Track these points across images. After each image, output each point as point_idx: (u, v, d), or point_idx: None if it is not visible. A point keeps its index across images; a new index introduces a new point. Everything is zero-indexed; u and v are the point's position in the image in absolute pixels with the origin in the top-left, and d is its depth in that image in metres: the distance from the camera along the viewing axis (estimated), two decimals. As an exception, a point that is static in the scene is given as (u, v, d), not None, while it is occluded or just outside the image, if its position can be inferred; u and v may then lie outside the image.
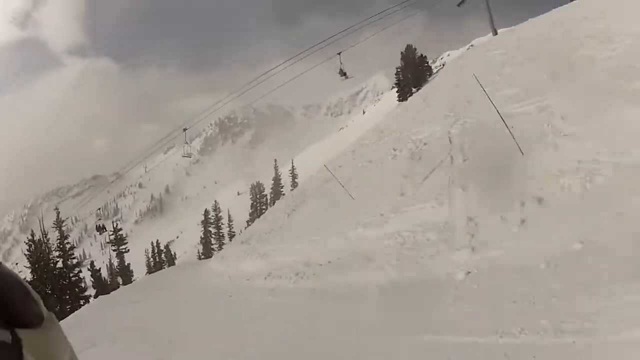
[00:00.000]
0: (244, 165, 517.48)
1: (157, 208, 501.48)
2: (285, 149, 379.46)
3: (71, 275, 52.66)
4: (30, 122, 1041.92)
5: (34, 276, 49.72)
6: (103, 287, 64.21)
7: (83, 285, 54.19)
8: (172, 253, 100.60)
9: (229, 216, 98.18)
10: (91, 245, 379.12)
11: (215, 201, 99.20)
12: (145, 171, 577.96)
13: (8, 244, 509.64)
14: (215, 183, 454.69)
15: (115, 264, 75.15)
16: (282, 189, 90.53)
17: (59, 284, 50.58)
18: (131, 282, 64.04)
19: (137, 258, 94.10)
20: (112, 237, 72.92)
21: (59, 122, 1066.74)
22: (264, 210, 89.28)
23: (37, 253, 50.46)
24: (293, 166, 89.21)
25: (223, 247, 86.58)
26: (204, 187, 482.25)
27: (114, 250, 73.74)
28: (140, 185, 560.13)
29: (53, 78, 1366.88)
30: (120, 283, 68.31)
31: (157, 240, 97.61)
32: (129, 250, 74.60)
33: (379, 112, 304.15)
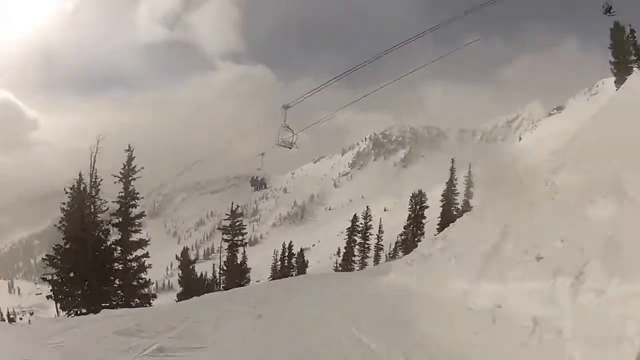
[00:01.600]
0: (393, 183, 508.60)
1: (298, 214, 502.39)
2: (437, 171, 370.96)
3: (128, 258, 36.59)
4: (175, 119, 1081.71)
5: (65, 234, 34.82)
6: (191, 286, 53.48)
7: (147, 277, 37.45)
8: (305, 260, 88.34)
9: (380, 226, 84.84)
10: (222, 241, 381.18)
11: (367, 207, 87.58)
12: (292, 177, 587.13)
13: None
14: (362, 197, 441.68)
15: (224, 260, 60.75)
16: (455, 197, 76.45)
17: (95, 261, 34.39)
18: (240, 284, 52.29)
19: (264, 261, 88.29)
20: (228, 222, 59.62)
21: (205, 122, 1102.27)
22: (423, 224, 79.06)
23: (75, 203, 34.54)
24: (470, 171, 72.98)
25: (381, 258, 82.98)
26: (350, 200, 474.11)
27: (225, 241, 59.36)
28: (285, 191, 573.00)
29: (203, 80, 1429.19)
30: (222, 286, 56.73)
31: (291, 242, 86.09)
32: (246, 243, 62.47)
33: (538, 139, 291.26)
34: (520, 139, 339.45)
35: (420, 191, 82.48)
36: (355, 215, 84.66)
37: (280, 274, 78.44)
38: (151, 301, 35.78)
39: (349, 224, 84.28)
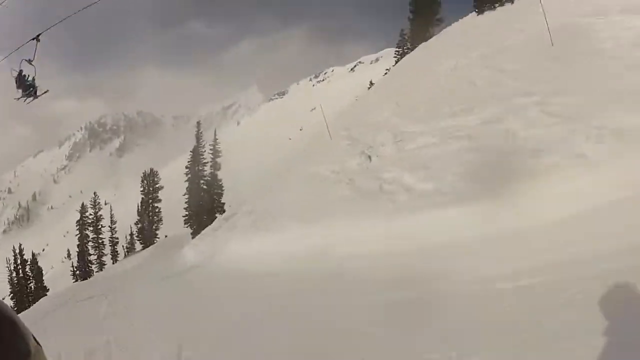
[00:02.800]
0: (110, 174, 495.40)
1: (24, 217, 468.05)
2: (153, 159, 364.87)
3: None
4: None
5: None
6: None
7: None
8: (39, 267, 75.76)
9: (112, 217, 75.11)
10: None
11: (94, 193, 77.07)
12: (15, 176, 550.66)
13: None
14: (81, 192, 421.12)
15: None
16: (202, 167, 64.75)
17: None
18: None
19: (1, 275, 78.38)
20: None
21: None
22: (158, 208, 71.84)
23: None
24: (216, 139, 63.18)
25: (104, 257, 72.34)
26: (70, 196, 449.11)
27: None
28: (9, 191, 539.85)
29: None
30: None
31: (21, 246, 73.70)
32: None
33: (257, 123, 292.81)
34: (238, 123, 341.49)
35: (152, 170, 73.65)
36: (83, 205, 74.21)
37: (19, 289, 68.46)
38: None
39: (75, 222, 74.73)
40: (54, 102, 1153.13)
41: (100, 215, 73.57)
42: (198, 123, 62.57)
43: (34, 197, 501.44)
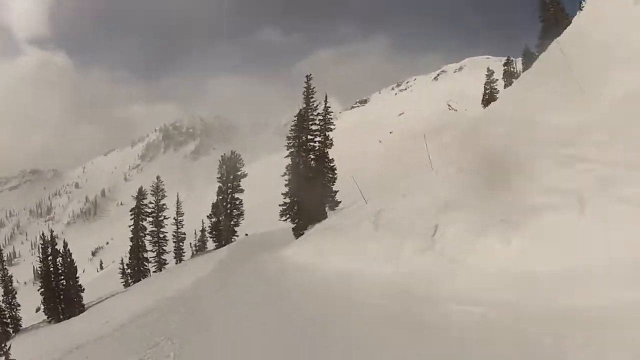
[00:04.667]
0: (184, 175, 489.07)
1: (91, 211, 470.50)
2: None
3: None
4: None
5: None
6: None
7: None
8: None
9: (178, 208, 61.17)
10: (22, 243, 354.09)
11: (157, 178, 62.94)
12: (83, 172, 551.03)
13: None
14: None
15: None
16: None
17: None
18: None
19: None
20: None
21: (3, 112, 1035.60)
22: (238, 199, 57.42)
23: None
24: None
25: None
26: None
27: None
28: (76, 186, 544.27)
29: (9, 65, 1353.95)
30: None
31: (52, 233, 55.57)
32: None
33: (339, 128, 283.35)
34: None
35: (233, 153, 59.01)
36: (140, 190, 59.51)
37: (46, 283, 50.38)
38: None
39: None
40: (125, 106, 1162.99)
41: (164, 205, 58.86)
42: (308, 76, 42.90)
43: (102, 192, 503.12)
